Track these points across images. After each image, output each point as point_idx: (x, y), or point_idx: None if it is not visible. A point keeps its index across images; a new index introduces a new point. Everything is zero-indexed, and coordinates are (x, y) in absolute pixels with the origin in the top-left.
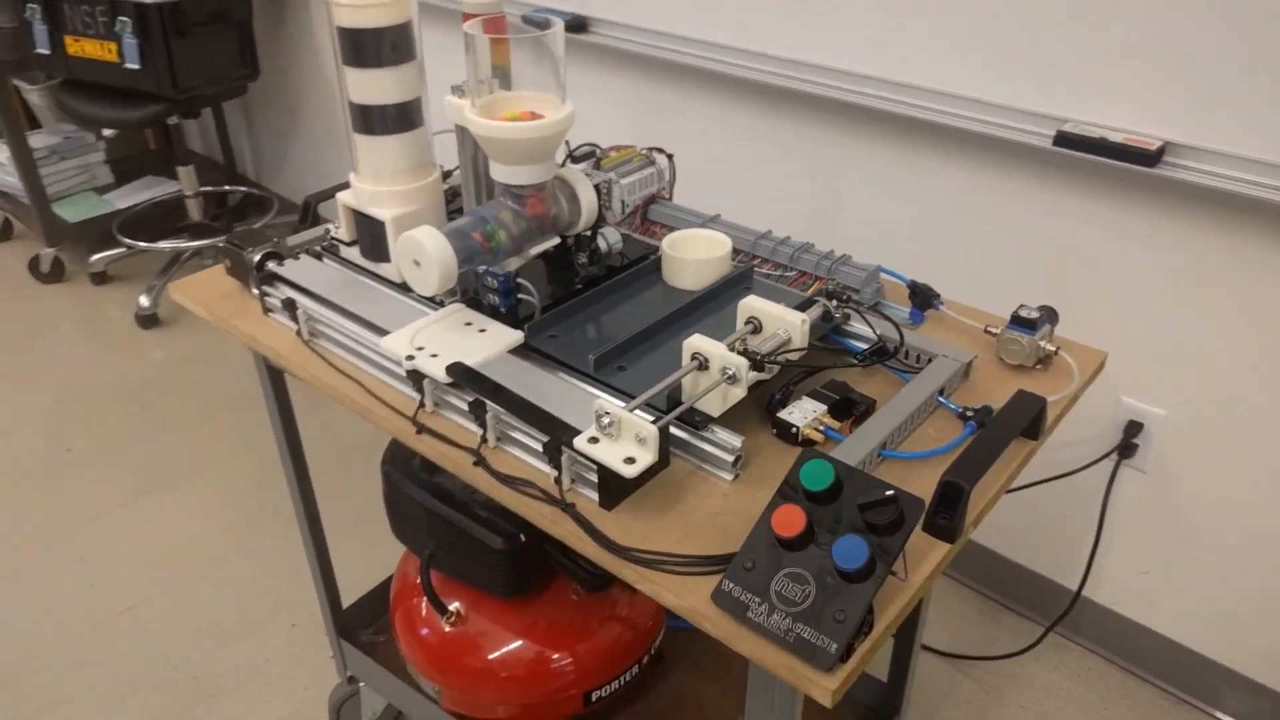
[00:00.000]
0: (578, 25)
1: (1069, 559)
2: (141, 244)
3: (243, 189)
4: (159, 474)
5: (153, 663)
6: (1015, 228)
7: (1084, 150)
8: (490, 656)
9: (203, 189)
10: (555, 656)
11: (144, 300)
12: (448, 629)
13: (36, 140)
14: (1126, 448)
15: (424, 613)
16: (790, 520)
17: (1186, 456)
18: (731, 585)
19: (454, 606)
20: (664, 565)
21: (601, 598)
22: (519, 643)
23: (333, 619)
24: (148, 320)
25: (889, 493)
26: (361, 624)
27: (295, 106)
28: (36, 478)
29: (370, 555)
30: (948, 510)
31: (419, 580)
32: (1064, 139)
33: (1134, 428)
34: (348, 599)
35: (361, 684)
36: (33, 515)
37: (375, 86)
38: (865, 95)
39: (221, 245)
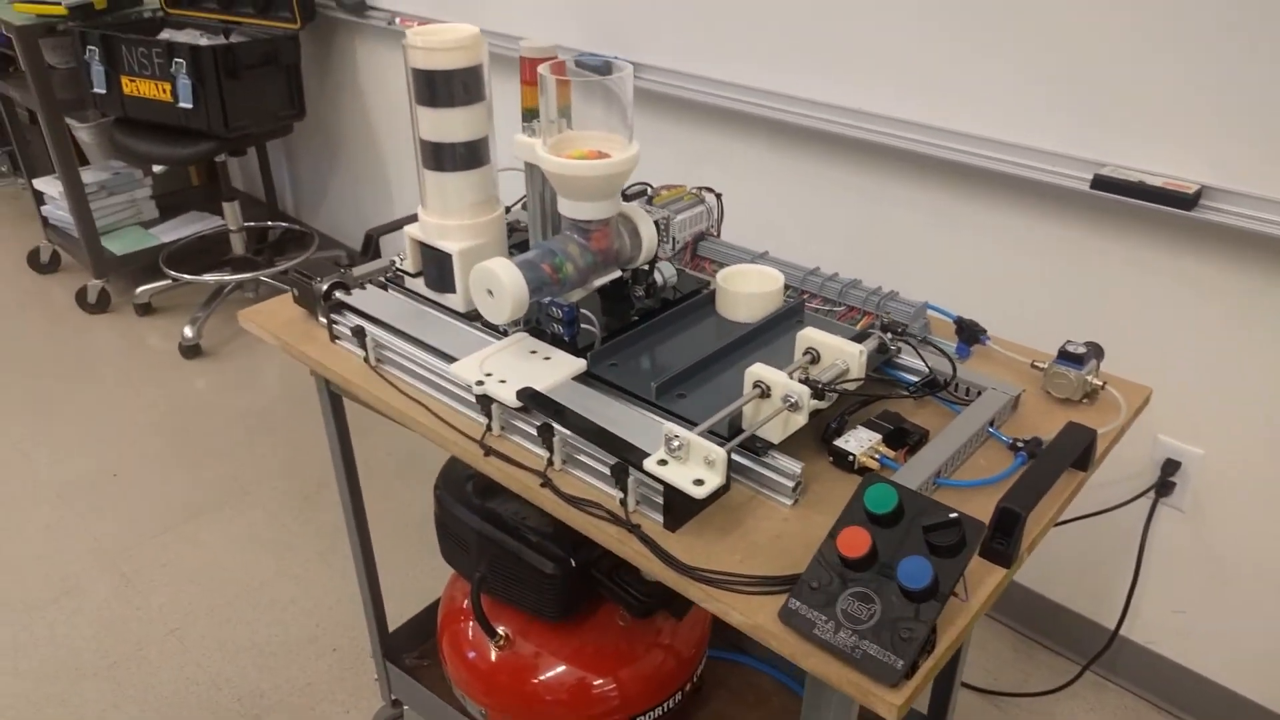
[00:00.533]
0: None
1: (1105, 597)
2: (186, 277)
3: (284, 224)
4: (202, 499)
5: (198, 684)
6: (1054, 268)
7: (1122, 193)
8: (537, 680)
9: (245, 224)
10: (600, 682)
11: (188, 331)
12: (495, 652)
13: (87, 176)
14: (1164, 486)
15: (471, 636)
16: (856, 541)
17: (1224, 496)
18: (798, 604)
19: (502, 630)
20: (730, 584)
21: (646, 625)
22: (565, 667)
23: (379, 642)
24: (191, 350)
25: (952, 515)
26: (406, 648)
27: (336, 146)
28: (84, 502)
29: (410, 580)
30: (1004, 536)
31: (467, 603)
32: (1101, 182)
33: (1171, 466)
34: (390, 623)
35: (405, 707)
36: (81, 538)
37: (446, 125)
38: (907, 140)
39: (290, 275)
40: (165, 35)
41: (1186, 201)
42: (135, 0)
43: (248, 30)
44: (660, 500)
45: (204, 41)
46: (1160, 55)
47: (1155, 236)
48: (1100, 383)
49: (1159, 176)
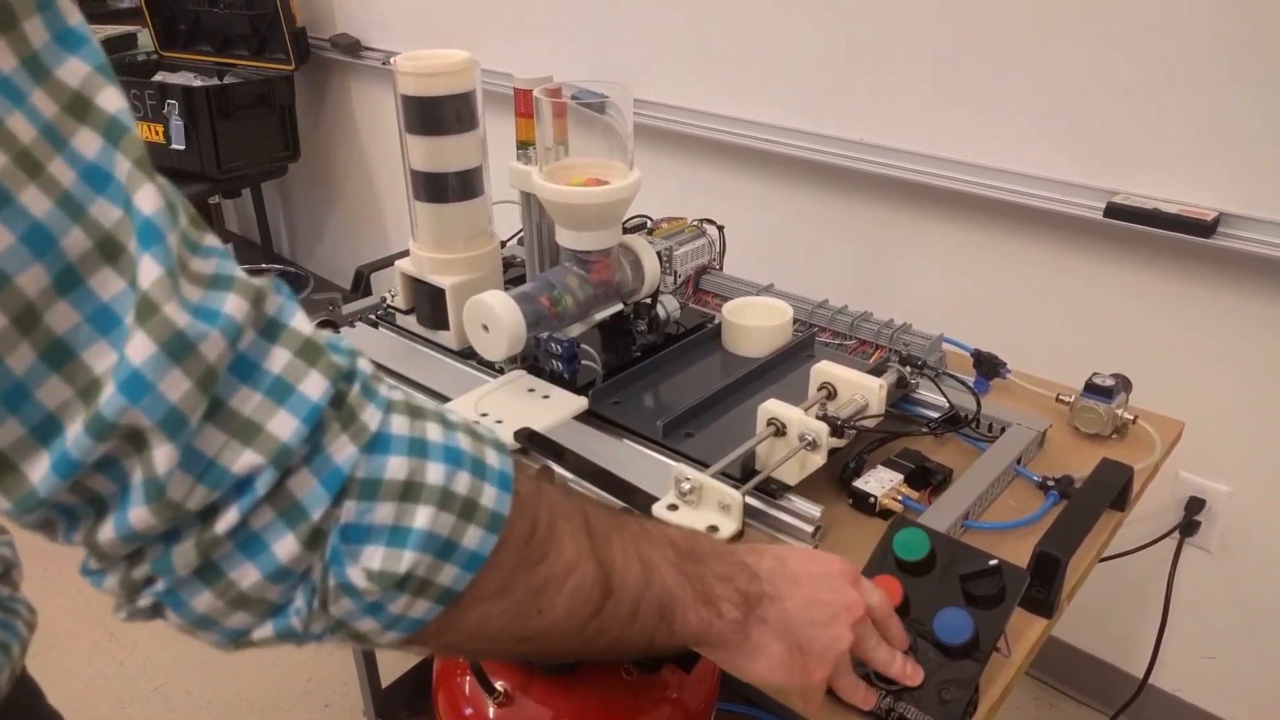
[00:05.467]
0: None
1: (1130, 643)
2: None
3: (278, 267)
4: None
5: None
6: (1069, 298)
7: (1137, 221)
8: None
9: (241, 266)
10: None
11: None
12: (494, 709)
13: None
14: (1188, 525)
15: (468, 691)
16: (886, 591)
17: (1253, 535)
18: None
19: (501, 685)
20: None
21: (653, 679)
22: None
23: (372, 700)
24: None
25: (992, 563)
26: (401, 704)
27: (332, 188)
28: (66, 553)
29: None
30: (1044, 584)
31: (463, 658)
32: (1114, 210)
33: (1195, 504)
34: (386, 678)
35: None
36: (64, 591)
37: (438, 154)
38: (914, 171)
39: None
40: (159, 78)
41: (1204, 229)
42: (129, 44)
43: (242, 72)
44: None
45: (198, 83)
46: (1171, 82)
47: (1173, 265)
48: (1131, 416)
49: (1174, 204)
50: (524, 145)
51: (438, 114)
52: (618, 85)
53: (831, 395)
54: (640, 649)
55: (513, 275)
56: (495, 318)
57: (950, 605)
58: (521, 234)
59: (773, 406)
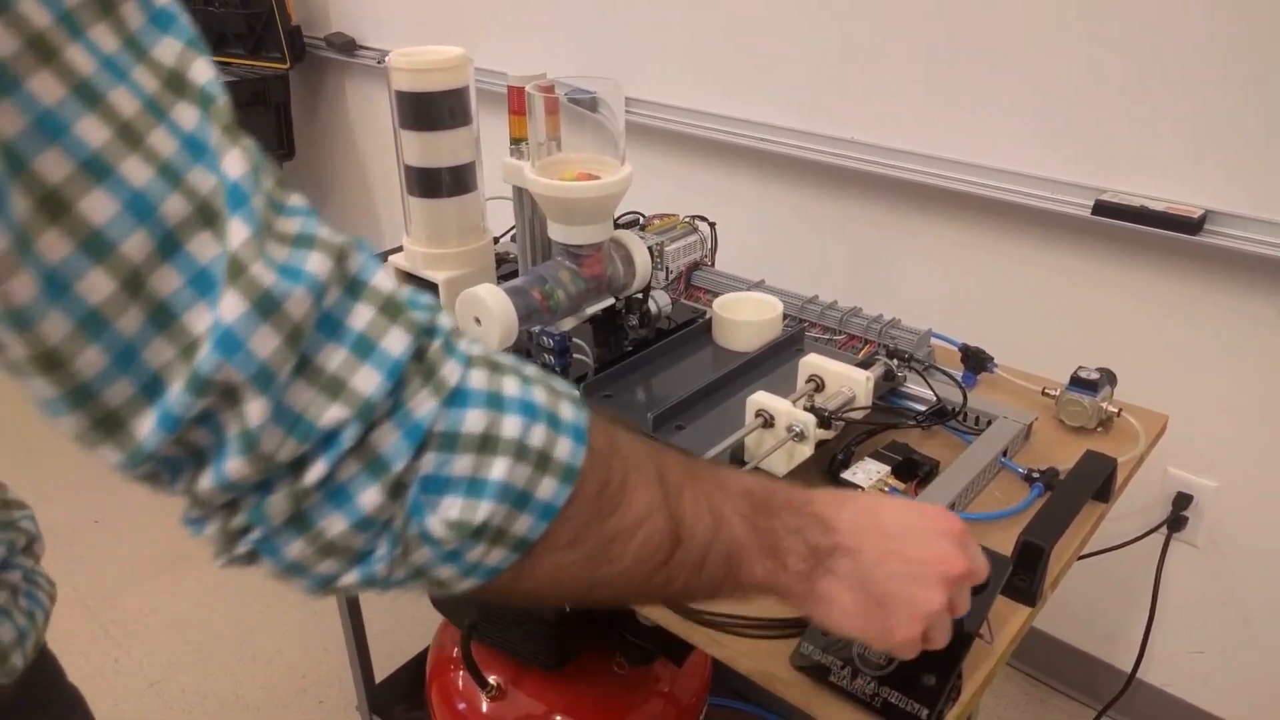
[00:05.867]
0: None
1: (1118, 638)
2: None
3: None
4: (186, 545)
5: None
6: (1057, 296)
7: (1124, 219)
8: None
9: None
10: None
11: None
12: (487, 703)
13: None
14: (1176, 521)
15: (462, 686)
16: None
17: (1241, 530)
18: (811, 648)
19: (494, 679)
20: (736, 628)
21: (645, 673)
22: (561, 717)
23: (366, 694)
24: None
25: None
26: (395, 699)
27: (327, 186)
28: (63, 550)
29: (397, 631)
30: (1027, 572)
31: (457, 652)
32: (1102, 208)
33: (1183, 500)
34: (380, 673)
35: None
36: (60, 587)
37: (432, 150)
38: (905, 170)
39: None
40: None
41: (1191, 226)
42: None
43: (237, 71)
44: None
45: None
46: (1160, 81)
47: (1160, 262)
48: (1115, 409)
49: (1161, 201)
50: (517, 142)
51: (431, 109)
52: (609, 82)
53: (819, 387)
54: (706, 596)
55: (506, 270)
56: (487, 310)
57: None
58: (514, 229)
59: (761, 398)
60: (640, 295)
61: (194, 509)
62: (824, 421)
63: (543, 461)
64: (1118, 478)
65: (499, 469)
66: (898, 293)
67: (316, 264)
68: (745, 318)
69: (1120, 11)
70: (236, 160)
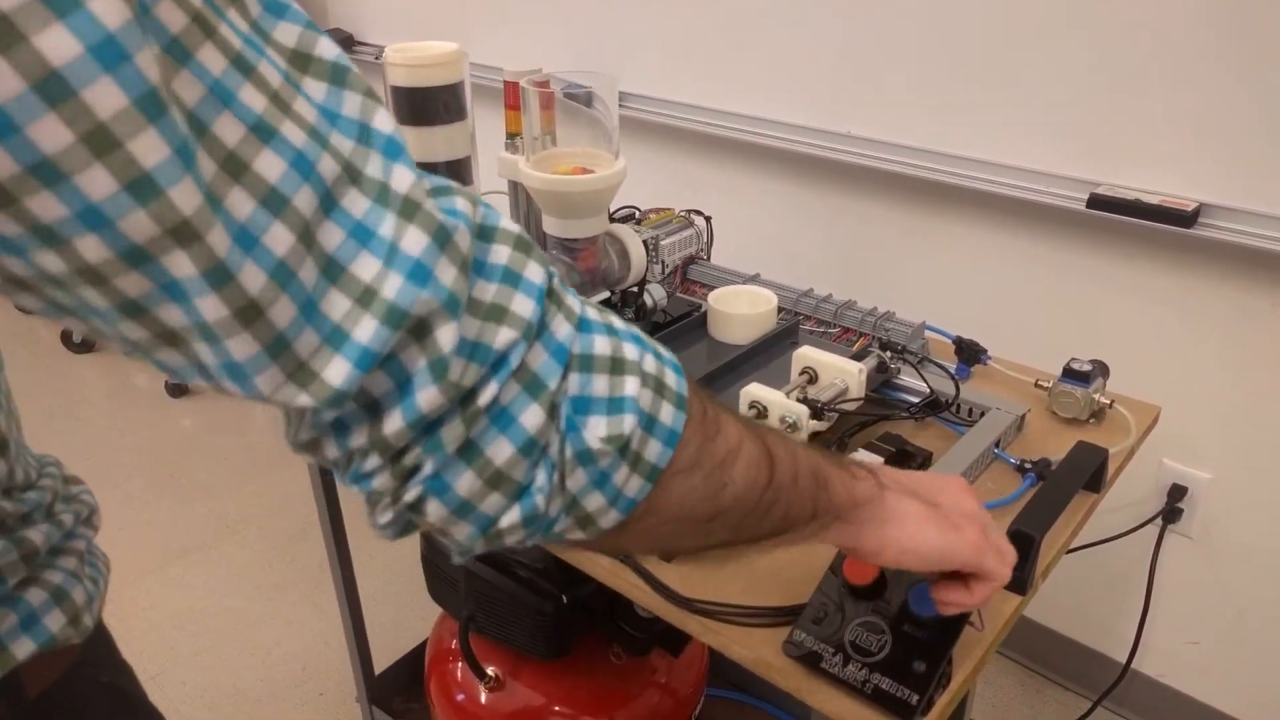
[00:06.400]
0: None
1: (1114, 629)
2: None
3: None
4: (187, 539)
5: None
6: (1052, 289)
7: (1119, 212)
8: None
9: None
10: None
11: None
12: (485, 694)
13: None
14: (1171, 512)
15: (460, 677)
16: (864, 568)
17: (1235, 522)
18: (803, 636)
19: (492, 670)
20: (730, 617)
21: (642, 663)
22: (558, 708)
23: (365, 686)
24: (176, 390)
25: None
26: (394, 691)
27: None
28: None
29: (397, 622)
30: (1018, 561)
31: (455, 644)
32: (1097, 201)
33: (1178, 491)
34: (379, 665)
35: None
36: None
37: (427, 145)
38: (901, 164)
39: None
40: None
41: (1185, 219)
42: None
43: None
44: None
45: None
46: (1154, 74)
47: (1155, 256)
48: (1108, 401)
49: (1156, 195)
50: (513, 137)
51: (427, 104)
52: (603, 76)
53: (813, 379)
54: (805, 522)
55: None
56: None
57: (925, 581)
58: None
59: (754, 390)
60: (635, 289)
61: (371, 459)
62: (817, 413)
63: (660, 387)
64: (1109, 468)
65: (631, 386)
66: (893, 286)
67: (463, 205)
68: (740, 311)
69: (1116, 7)
70: (385, 118)
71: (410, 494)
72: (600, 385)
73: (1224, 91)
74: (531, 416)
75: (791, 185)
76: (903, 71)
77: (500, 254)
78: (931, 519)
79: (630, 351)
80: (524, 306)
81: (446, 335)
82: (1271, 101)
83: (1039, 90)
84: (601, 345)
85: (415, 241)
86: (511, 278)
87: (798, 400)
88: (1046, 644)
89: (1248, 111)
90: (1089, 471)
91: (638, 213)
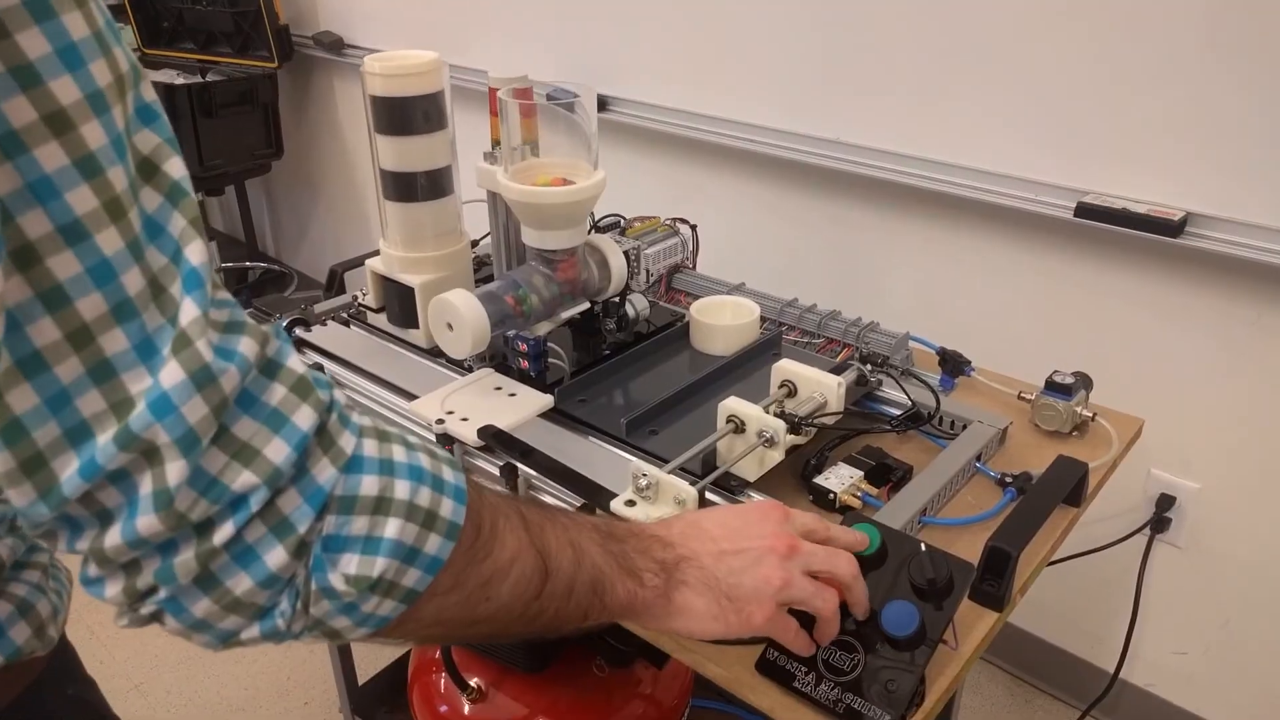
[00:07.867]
0: (598, 104)
1: (1103, 639)
2: None
3: (263, 265)
4: None
5: None
6: (1039, 298)
7: (1106, 221)
8: None
9: (224, 265)
10: None
11: None
12: (468, 706)
13: None
14: (1159, 522)
15: (443, 689)
16: (856, 539)
17: (1223, 531)
18: (776, 654)
19: (474, 682)
20: None
21: (626, 675)
22: (542, 719)
23: (348, 697)
24: None
25: (939, 556)
26: (378, 701)
27: (316, 186)
28: None
29: None
30: (995, 577)
31: (438, 655)
32: (1084, 210)
33: (1166, 501)
34: (362, 676)
35: None
36: None
37: (407, 154)
38: (887, 170)
39: (250, 313)
40: None
41: (1172, 228)
42: None
43: (225, 70)
44: None
45: (180, 81)
46: (1142, 83)
47: (1142, 265)
48: (1090, 414)
49: (1143, 204)
50: (498, 145)
51: (405, 114)
52: (581, 86)
53: (792, 393)
54: (577, 623)
55: (485, 274)
56: (458, 316)
57: (899, 598)
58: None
59: (732, 404)
60: (617, 299)
61: (96, 568)
62: (794, 427)
63: (429, 520)
64: (1090, 483)
65: (392, 528)
66: (879, 294)
67: (246, 347)
68: (722, 322)
69: (1103, 15)
70: (198, 250)
71: (146, 609)
72: (359, 525)
73: (1213, 101)
74: (275, 556)
75: (777, 191)
76: (890, 78)
77: (275, 394)
78: (714, 613)
79: (402, 489)
80: (277, 452)
81: (175, 469)
82: (1260, 111)
83: (1027, 98)
84: (369, 486)
85: (171, 375)
86: (276, 420)
87: (775, 414)
88: (1035, 653)
89: (1236, 121)
90: (1069, 486)
91: (623, 221)
